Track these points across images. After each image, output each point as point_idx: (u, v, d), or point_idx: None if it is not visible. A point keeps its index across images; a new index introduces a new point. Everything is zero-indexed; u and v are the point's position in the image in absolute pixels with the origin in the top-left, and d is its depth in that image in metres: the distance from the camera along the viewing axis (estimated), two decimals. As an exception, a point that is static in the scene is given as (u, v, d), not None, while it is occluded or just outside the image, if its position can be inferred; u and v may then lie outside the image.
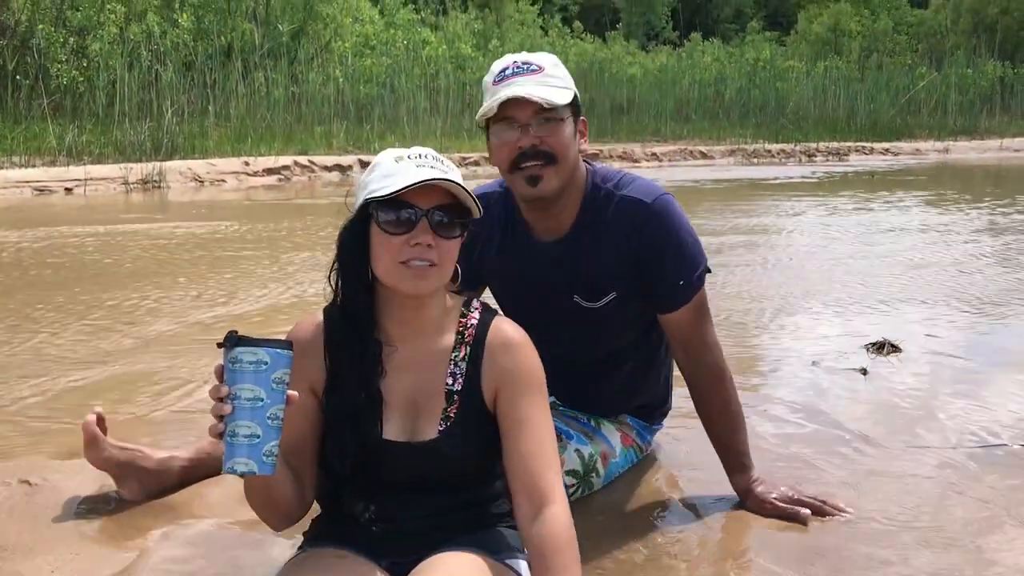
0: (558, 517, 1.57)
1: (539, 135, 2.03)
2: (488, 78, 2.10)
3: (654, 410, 2.54)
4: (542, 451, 1.65)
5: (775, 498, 2.22)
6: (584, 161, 2.21)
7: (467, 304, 1.74)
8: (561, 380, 2.33)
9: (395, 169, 1.59)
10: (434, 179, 1.57)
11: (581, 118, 2.14)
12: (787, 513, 2.19)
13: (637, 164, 14.82)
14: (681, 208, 2.23)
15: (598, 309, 2.24)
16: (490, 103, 2.04)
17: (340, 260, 1.68)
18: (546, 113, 2.02)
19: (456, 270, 1.70)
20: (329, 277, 1.69)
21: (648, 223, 2.15)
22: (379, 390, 1.65)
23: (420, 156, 1.61)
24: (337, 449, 1.63)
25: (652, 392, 2.50)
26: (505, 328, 1.72)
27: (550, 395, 2.34)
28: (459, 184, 1.59)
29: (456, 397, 1.66)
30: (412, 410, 1.66)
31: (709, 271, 2.25)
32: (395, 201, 1.58)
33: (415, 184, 1.55)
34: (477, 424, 1.67)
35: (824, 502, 2.24)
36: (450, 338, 1.69)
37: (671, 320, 2.22)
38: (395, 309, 1.67)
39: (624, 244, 2.17)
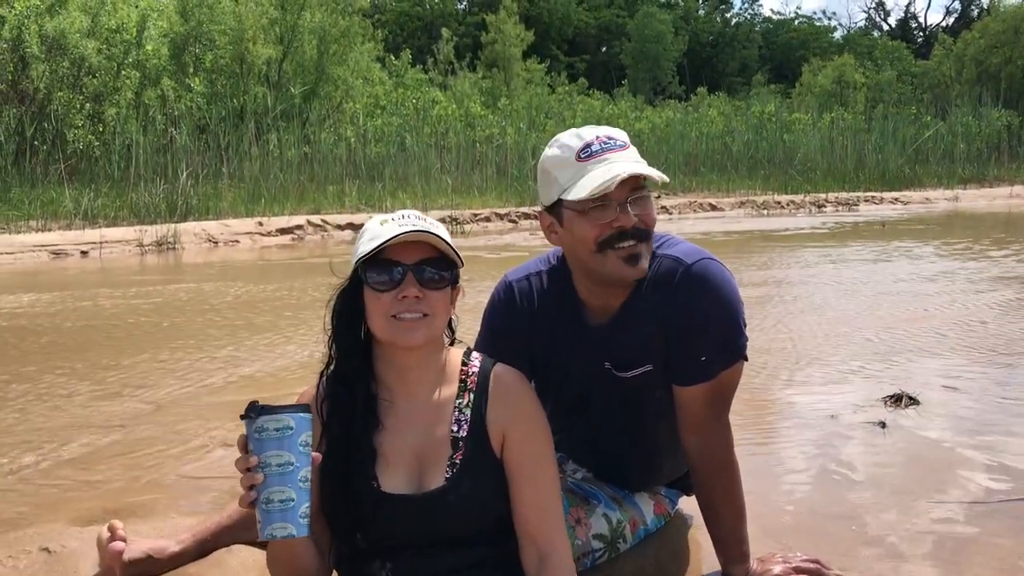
0: (561, 562, 1.68)
1: (637, 213, 1.93)
2: (563, 152, 1.96)
3: (689, 480, 2.35)
4: (546, 498, 1.71)
5: (776, 575, 2.09)
6: None
7: (467, 354, 1.79)
8: (595, 455, 2.30)
9: (380, 231, 1.66)
10: (415, 230, 1.64)
11: None
12: None
13: (647, 217, 14.83)
14: (729, 276, 2.03)
15: (629, 379, 2.08)
16: (604, 180, 1.87)
17: (333, 324, 1.74)
18: (641, 191, 1.94)
19: (452, 321, 1.77)
20: (328, 343, 1.76)
21: (681, 287, 1.99)
22: (372, 446, 1.67)
23: (403, 216, 1.69)
24: (330, 507, 1.66)
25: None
26: (507, 375, 1.78)
27: (582, 468, 2.34)
28: (439, 236, 1.65)
29: (462, 443, 1.70)
30: (417, 463, 1.68)
31: (745, 358, 2.04)
32: (382, 261, 1.65)
33: (395, 237, 1.62)
34: (485, 469, 1.69)
35: (817, 561, 2.15)
36: (453, 387, 1.74)
37: (682, 394, 2.05)
38: (394, 364, 1.72)
39: (658, 310, 2.01)
